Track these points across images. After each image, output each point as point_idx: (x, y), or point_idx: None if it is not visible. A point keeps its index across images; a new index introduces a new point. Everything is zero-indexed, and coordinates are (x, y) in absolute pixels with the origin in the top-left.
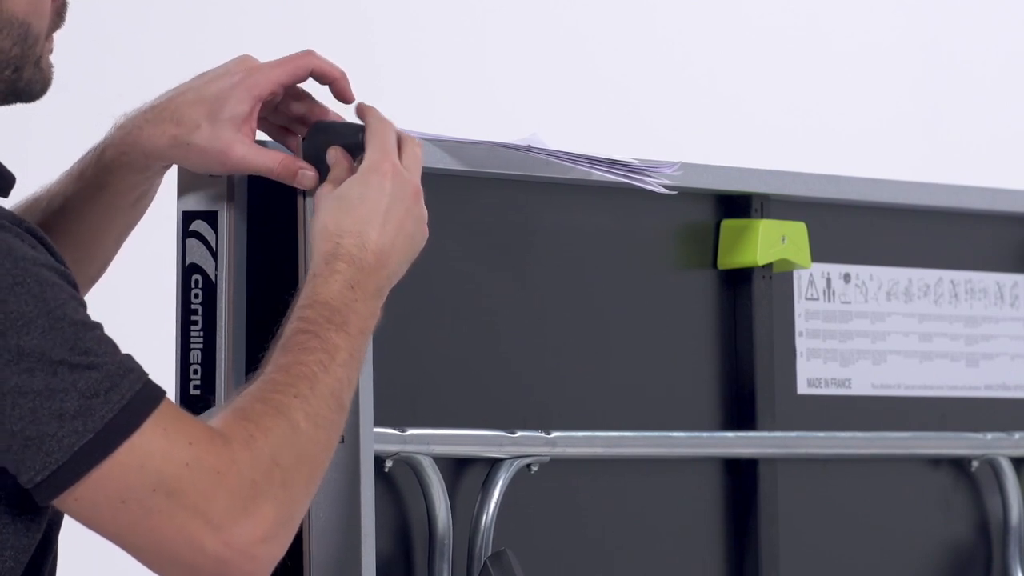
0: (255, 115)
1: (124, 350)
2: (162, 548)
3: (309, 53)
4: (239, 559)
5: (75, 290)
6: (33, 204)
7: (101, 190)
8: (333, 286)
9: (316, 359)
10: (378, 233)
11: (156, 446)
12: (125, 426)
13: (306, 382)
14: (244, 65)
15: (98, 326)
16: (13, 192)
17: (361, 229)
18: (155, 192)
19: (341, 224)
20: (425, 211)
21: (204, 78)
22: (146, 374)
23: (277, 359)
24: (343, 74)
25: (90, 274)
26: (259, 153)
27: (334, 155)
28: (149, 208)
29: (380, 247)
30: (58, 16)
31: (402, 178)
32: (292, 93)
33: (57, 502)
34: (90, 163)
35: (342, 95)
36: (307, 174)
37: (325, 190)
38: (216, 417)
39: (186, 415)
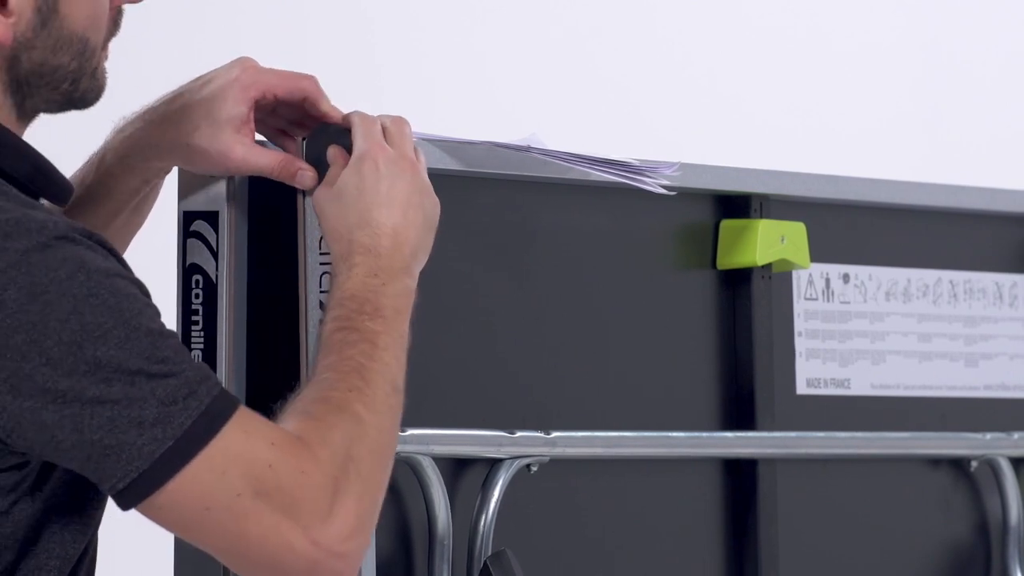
0: (252, 116)
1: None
2: (251, 551)
3: (311, 78)
4: (328, 558)
5: (148, 298)
6: None
7: (103, 196)
8: (355, 279)
9: (360, 350)
10: (386, 215)
11: (238, 450)
12: (205, 432)
13: (356, 375)
14: (240, 66)
15: (173, 334)
16: None
17: (367, 218)
18: (156, 196)
19: (347, 220)
20: (427, 180)
21: (201, 80)
22: (218, 380)
23: (322, 360)
24: (338, 115)
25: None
26: (259, 153)
27: (333, 154)
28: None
29: (392, 228)
30: (114, 24)
31: (392, 155)
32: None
33: (141, 508)
34: (91, 170)
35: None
36: (306, 174)
37: (322, 192)
38: (285, 421)
39: (262, 419)
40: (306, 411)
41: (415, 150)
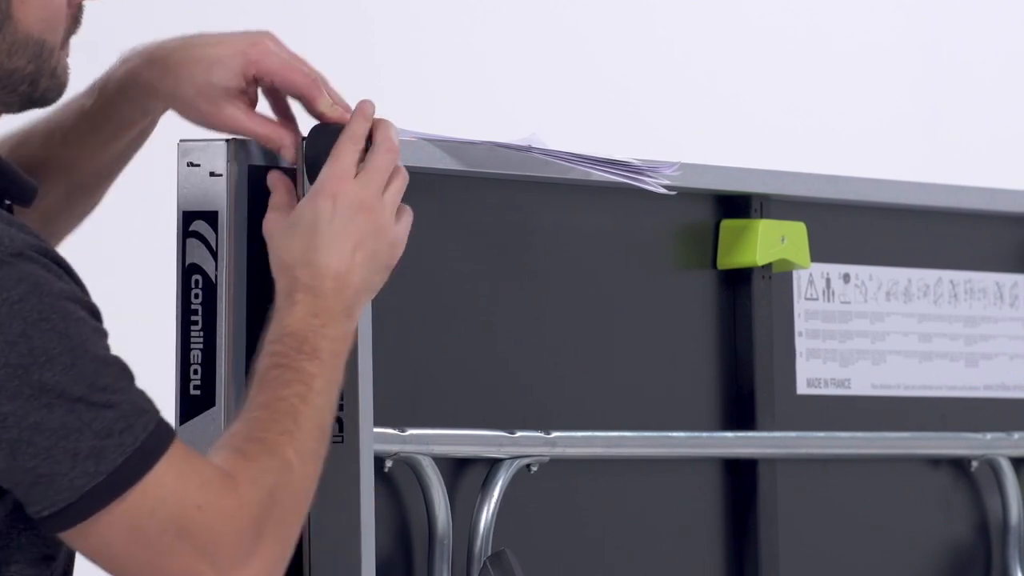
0: (250, 89)
1: (139, 380)
2: None
3: (311, 77)
4: None
5: (98, 320)
6: (29, 135)
7: (101, 123)
8: (296, 316)
9: (294, 391)
10: (332, 257)
11: (168, 488)
12: (137, 469)
13: (289, 417)
14: (252, 40)
15: (116, 361)
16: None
17: (312, 257)
18: (153, 129)
19: (293, 255)
20: (387, 220)
21: (213, 38)
22: (159, 413)
23: (256, 396)
24: (337, 114)
25: (86, 208)
26: (250, 118)
27: (272, 179)
28: (149, 206)
29: (336, 271)
30: (75, 21)
31: (351, 194)
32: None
33: (63, 536)
34: (91, 96)
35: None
36: (289, 152)
37: (273, 219)
38: (217, 456)
39: (196, 455)
40: (240, 449)
41: (398, 174)
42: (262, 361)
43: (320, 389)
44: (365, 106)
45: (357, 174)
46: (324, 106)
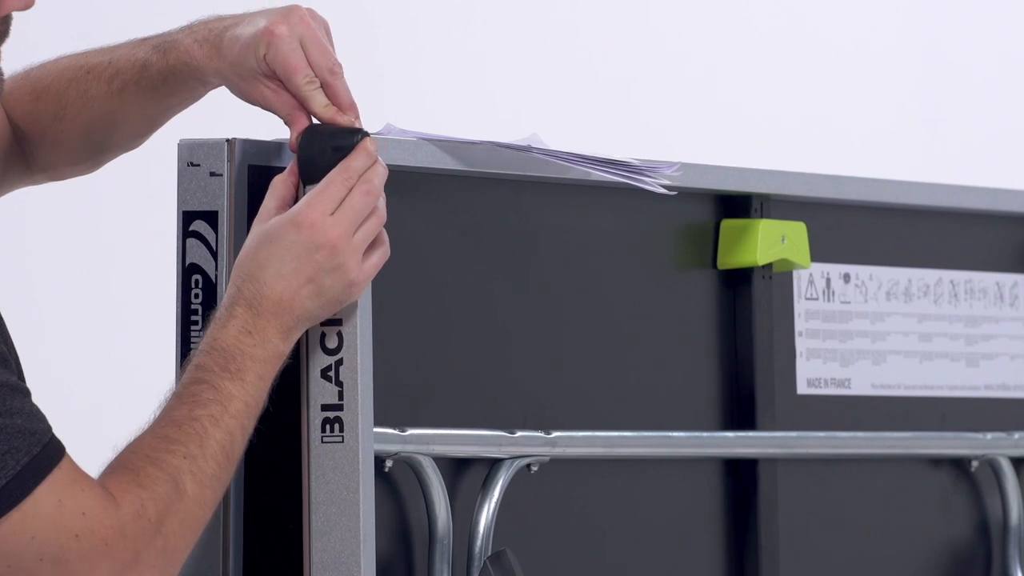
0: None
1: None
2: None
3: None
4: None
5: (2, 336)
6: (93, 74)
7: (161, 86)
8: (230, 331)
9: (208, 413)
10: (280, 282)
11: (48, 515)
12: (17, 494)
13: (196, 440)
14: (270, 25)
15: (5, 382)
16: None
17: (262, 275)
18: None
19: (248, 266)
20: (349, 262)
21: (250, 18)
22: (49, 432)
23: (171, 411)
24: (352, 105)
25: (133, 144)
26: (277, 96)
27: (274, 182)
28: (149, 206)
29: (279, 295)
30: (5, 31)
31: (317, 232)
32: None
33: None
34: (155, 61)
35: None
36: (293, 136)
37: (256, 223)
38: (110, 476)
39: (83, 479)
40: (136, 470)
41: (374, 215)
42: (187, 370)
43: (236, 412)
44: (368, 144)
45: (334, 211)
46: (317, 107)
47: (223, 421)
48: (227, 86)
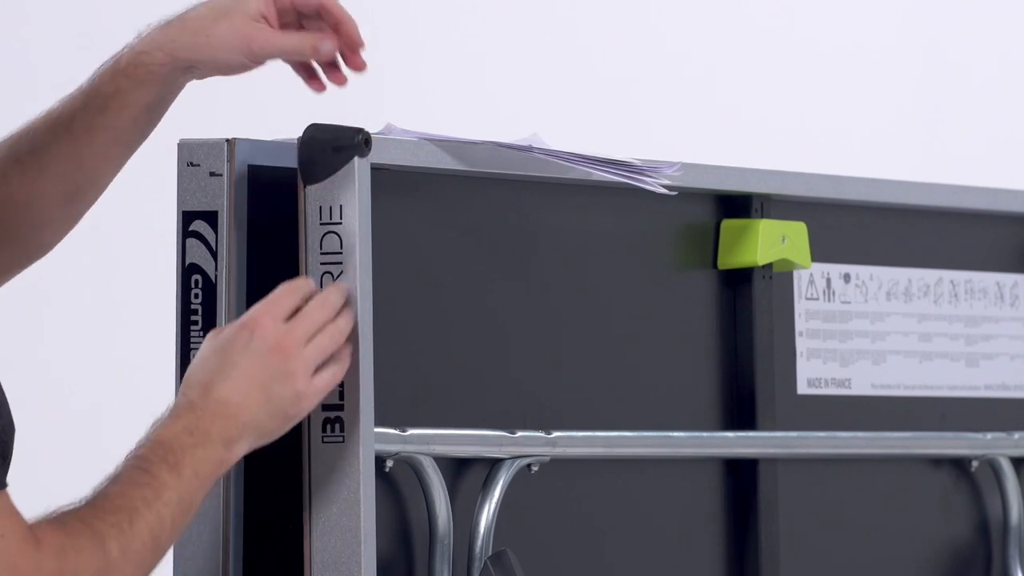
0: (272, 11)
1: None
2: None
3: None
4: None
5: None
6: (35, 125)
7: (113, 99)
8: (172, 430)
9: (141, 494)
10: (228, 385)
11: None
12: None
13: (125, 514)
14: None
15: None
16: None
17: (209, 380)
18: (165, 111)
19: (198, 374)
20: (298, 370)
21: None
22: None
23: (105, 488)
24: (352, 21)
25: (87, 200)
26: (282, 36)
27: (278, 290)
28: (149, 205)
29: (226, 398)
30: None
31: (268, 334)
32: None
33: None
34: (104, 74)
35: (350, 40)
36: (327, 43)
37: (218, 331)
38: (41, 524)
39: (13, 511)
40: (63, 522)
41: (327, 333)
42: (127, 459)
43: (168, 501)
44: (335, 289)
45: (289, 318)
46: (343, 16)
47: (155, 506)
48: (203, 54)
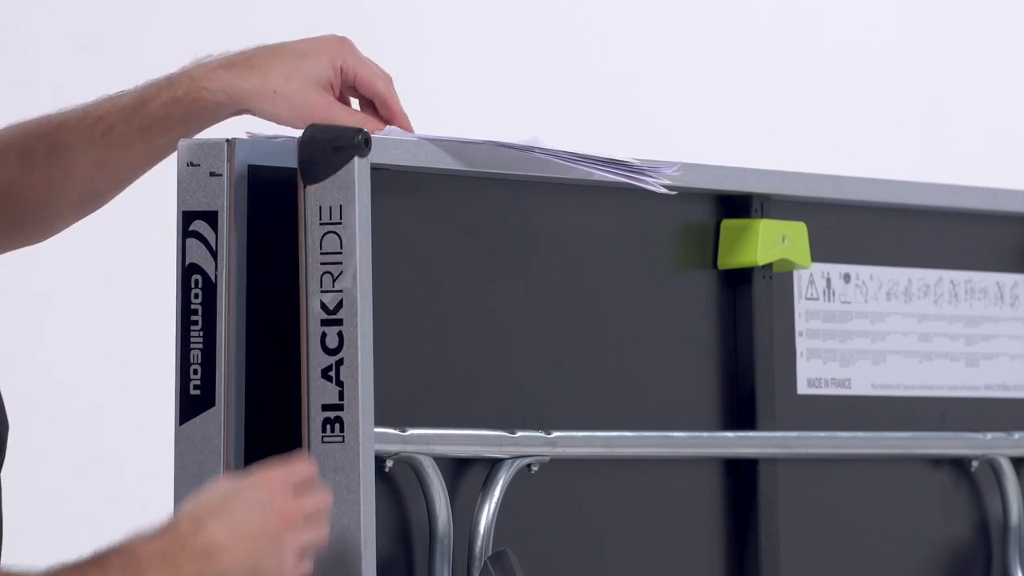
0: (338, 80)
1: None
2: None
3: (386, 79)
4: None
5: None
6: (66, 122)
7: (161, 122)
8: (148, 546)
9: None
10: (219, 528)
11: None
12: None
13: None
14: (338, 38)
15: None
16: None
17: (205, 518)
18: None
19: (195, 507)
20: (289, 543)
21: (295, 41)
22: None
23: (61, 572)
24: (405, 116)
25: (102, 203)
26: (342, 109)
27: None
28: (149, 206)
29: (214, 540)
30: None
31: (276, 501)
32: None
33: None
34: (157, 94)
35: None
36: (380, 124)
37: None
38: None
39: None
40: None
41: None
42: (90, 554)
43: None
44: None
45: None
46: (397, 107)
47: None
48: (260, 102)
